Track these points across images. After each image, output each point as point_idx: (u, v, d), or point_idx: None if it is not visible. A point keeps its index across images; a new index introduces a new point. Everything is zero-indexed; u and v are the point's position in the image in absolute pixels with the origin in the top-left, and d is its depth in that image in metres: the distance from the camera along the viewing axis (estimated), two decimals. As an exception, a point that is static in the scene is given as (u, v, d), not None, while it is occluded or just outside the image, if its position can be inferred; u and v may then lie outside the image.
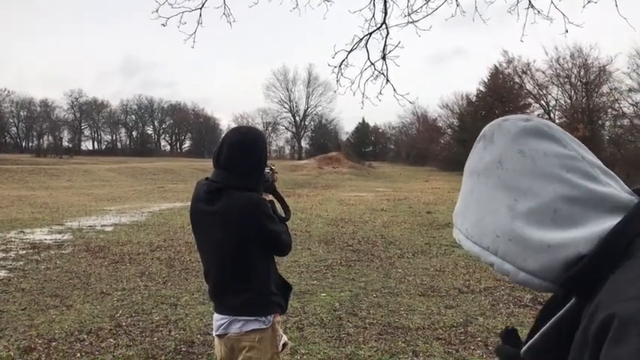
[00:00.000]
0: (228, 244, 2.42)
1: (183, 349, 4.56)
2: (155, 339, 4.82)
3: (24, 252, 8.98)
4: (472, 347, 4.64)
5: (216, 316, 2.55)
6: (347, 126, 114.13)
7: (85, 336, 4.87)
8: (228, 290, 2.50)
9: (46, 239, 10.39)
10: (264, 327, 2.44)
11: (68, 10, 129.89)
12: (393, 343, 4.72)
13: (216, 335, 2.56)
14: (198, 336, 4.89)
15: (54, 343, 4.66)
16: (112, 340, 4.78)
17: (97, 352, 4.48)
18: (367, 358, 4.36)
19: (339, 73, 7.81)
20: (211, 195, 2.43)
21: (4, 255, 8.68)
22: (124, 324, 5.21)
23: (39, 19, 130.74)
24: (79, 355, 4.43)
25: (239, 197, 2.39)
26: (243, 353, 2.45)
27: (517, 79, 44.78)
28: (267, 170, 2.62)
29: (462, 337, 4.89)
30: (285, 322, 5.27)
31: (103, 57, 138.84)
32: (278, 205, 2.72)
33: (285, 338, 2.57)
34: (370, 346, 4.66)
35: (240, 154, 2.42)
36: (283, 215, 2.69)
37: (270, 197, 2.69)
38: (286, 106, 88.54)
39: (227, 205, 2.39)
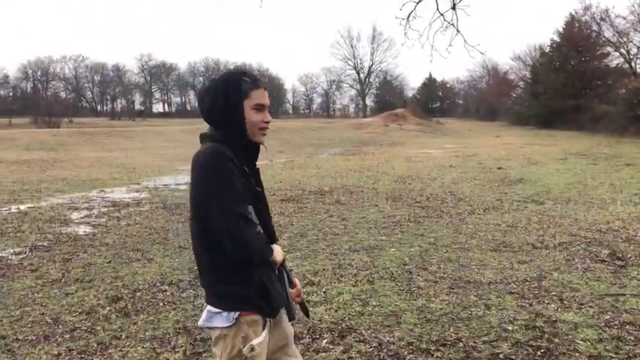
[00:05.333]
0: (190, 201, 2.08)
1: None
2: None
3: (105, 209, 9.48)
4: (546, 301, 4.56)
5: None
6: (413, 82, 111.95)
7: (167, 287, 5.13)
8: (197, 265, 2.15)
9: (124, 198, 10.92)
10: (227, 325, 2.00)
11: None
12: (464, 297, 4.72)
13: None
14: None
15: (138, 293, 4.95)
16: (191, 290, 5.01)
17: (178, 302, 4.73)
18: (439, 311, 4.38)
19: (407, 26, 7.63)
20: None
21: (88, 212, 9.20)
22: (201, 276, 5.44)
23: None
24: (162, 304, 4.68)
25: (201, 147, 2.06)
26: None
27: (595, 27, 42.17)
28: None
29: (536, 292, 4.82)
30: (355, 275, 5.36)
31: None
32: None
33: (256, 341, 2.02)
34: (441, 299, 4.67)
35: (204, 104, 2.10)
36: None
37: None
38: (350, 63, 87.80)
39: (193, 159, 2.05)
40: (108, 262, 6.03)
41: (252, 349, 2.00)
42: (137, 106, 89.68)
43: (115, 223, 8.24)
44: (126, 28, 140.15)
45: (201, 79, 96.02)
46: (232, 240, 1.91)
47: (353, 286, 5.06)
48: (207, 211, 1.92)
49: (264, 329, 2.06)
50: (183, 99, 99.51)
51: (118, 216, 8.85)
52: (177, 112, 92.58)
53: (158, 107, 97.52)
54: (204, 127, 2.19)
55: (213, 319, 2.02)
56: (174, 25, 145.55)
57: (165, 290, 5.04)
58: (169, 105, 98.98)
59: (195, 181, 2.01)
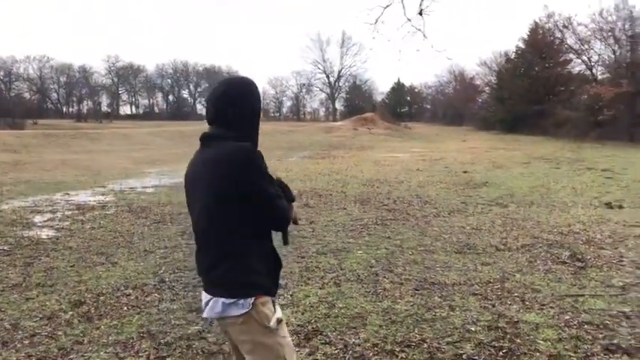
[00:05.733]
0: (207, 199, 2.16)
1: (225, 304, 4.70)
2: (197, 293, 4.96)
3: (70, 213, 9.30)
4: (509, 302, 4.66)
5: (203, 293, 2.27)
6: (382, 86, 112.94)
7: (131, 291, 5.06)
8: (207, 261, 2.23)
9: (89, 201, 10.73)
10: (244, 311, 2.12)
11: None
12: (429, 298, 4.78)
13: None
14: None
15: (102, 298, 4.87)
16: (156, 294, 4.96)
17: (142, 306, 4.67)
18: (404, 312, 4.42)
19: (375, 31, 7.70)
20: (203, 142, 2.26)
21: (52, 215, 9.01)
22: (167, 280, 5.40)
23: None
24: (125, 308, 4.62)
25: (228, 145, 2.14)
26: (234, 335, 2.23)
27: (558, 34, 43.19)
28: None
29: (499, 293, 4.91)
30: (322, 278, 5.38)
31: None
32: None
33: (277, 315, 2.20)
34: (406, 300, 4.72)
35: (226, 106, 2.21)
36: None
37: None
38: (320, 66, 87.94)
39: (215, 153, 2.15)
40: (71, 266, 5.92)
41: (279, 320, 2.19)
42: (104, 108, 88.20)
43: (79, 227, 8.10)
44: (92, 29, 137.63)
45: (169, 81, 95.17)
46: (279, 215, 2.19)
47: (320, 288, 5.08)
48: (245, 198, 2.09)
49: (273, 305, 2.23)
50: (151, 101, 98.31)
51: (82, 219, 8.69)
52: (144, 114, 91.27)
53: (125, 109, 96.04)
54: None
55: (230, 309, 2.12)
56: (142, 27, 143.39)
57: (130, 294, 4.98)
58: (137, 107, 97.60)
59: (227, 174, 2.09)
